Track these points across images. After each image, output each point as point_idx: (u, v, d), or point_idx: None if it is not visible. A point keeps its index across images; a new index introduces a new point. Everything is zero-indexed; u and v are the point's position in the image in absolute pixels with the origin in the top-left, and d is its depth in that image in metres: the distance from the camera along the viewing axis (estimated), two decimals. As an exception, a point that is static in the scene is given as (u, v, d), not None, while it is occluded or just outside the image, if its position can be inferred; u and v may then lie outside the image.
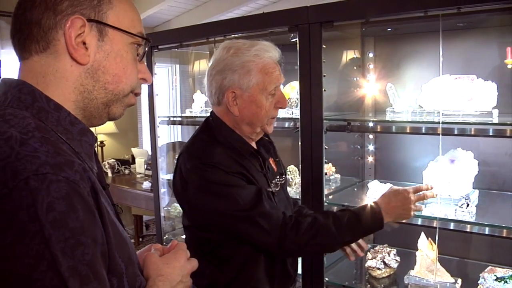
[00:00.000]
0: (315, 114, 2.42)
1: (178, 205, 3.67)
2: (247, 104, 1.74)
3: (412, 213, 1.86)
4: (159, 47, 3.11)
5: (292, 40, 2.47)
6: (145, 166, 5.83)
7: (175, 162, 1.85)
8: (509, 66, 2.27)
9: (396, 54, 2.92)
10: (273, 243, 1.67)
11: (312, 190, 2.46)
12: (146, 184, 5.31)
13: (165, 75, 4.96)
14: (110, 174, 6.15)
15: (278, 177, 1.95)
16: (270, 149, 2.01)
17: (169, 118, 3.44)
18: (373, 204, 1.81)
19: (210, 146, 1.74)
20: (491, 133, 2.24)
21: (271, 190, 1.83)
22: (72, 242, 0.81)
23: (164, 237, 3.52)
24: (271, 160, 1.98)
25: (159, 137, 3.38)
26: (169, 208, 3.69)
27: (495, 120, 2.27)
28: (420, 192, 1.92)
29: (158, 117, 3.36)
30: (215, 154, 1.70)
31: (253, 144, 1.89)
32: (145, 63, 1.14)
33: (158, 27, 7.43)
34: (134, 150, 6.26)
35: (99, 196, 0.91)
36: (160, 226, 3.46)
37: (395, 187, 1.89)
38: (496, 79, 2.39)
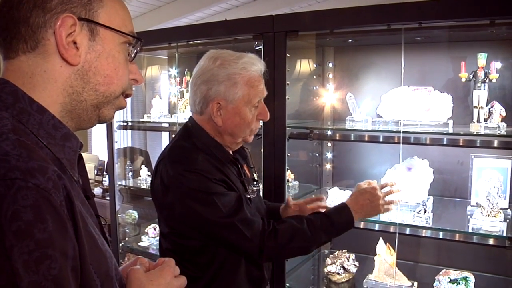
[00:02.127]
0: (278, 122, 2.45)
1: (133, 211, 3.65)
2: (231, 115, 1.75)
3: (382, 208, 1.91)
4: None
5: (257, 48, 2.50)
6: (95, 171, 5.70)
7: (154, 168, 1.85)
8: (463, 80, 2.37)
9: (355, 64, 3.01)
10: (254, 249, 1.69)
11: (274, 197, 2.49)
12: (97, 190, 5.19)
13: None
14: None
15: (253, 183, 1.97)
16: (246, 156, 2.04)
17: (126, 123, 3.40)
18: (342, 204, 1.86)
19: (192, 153, 1.74)
20: (446, 143, 2.35)
21: (249, 196, 1.85)
22: (37, 255, 0.75)
23: (120, 244, 3.46)
24: (245, 167, 1.99)
25: (116, 142, 3.33)
26: (123, 215, 3.63)
27: (450, 130, 2.37)
28: (387, 189, 1.99)
29: (116, 121, 3.31)
30: (198, 161, 1.70)
31: (231, 152, 1.90)
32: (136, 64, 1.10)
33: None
34: (84, 155, 6.10)
35: (75, 206, 0.84)
36: (116, 233, 3.40)
37: (363, 186, 1.93)
38: (451, 91, 2.51)
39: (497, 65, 2.34)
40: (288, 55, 2.42)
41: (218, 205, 1.65)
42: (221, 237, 1.70)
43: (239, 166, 1.89)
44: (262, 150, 2.52)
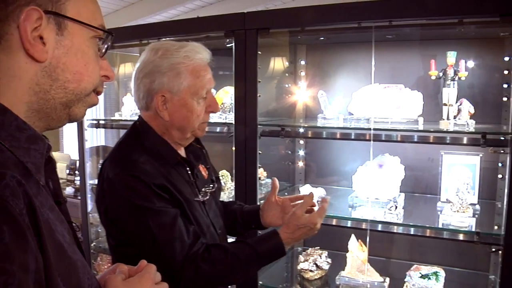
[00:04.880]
0: (250, 119, 2.46)
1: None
2: (178, 108, 1.64)
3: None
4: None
5: (228, 45, 2.49)
6: (67, 171, 5.61)
7: (99, 168, 1.74)
8: (432, 78, 2.40)
9: (327, 62, 3.02)
10: (172, 275, 1.55)
11: (246, 195, 2.49)
12: (69, 190, 5.11)
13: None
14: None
15: (208, 185, 1.87)
16: (200, 156, 1.91)
17: (98, 121, 3.36)
18: (275, 236, 1.71)
19: (135, 154, 1.63)
20: (416, 140, 2.38)
21: (199, 199, 1.74)
22: None
23: (92, 245, 3.42)
24: (201, 167, 1.89)
25: (86, 140, 3.29)
26: (95, 214, 3.58)
27: (421, 127, 2.40)
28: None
29: (87, 120, 3.26)
30: (139, 164, 1.59)
31: (182, 151, 1.81)
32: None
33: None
34: (55, 155, 6.02)
35: (38, 214, 0.78)
36: (87, 233, 3.35)
37: (301, 218, 1.72)
38: (421, 89, 2.54)
39: (468, 63, 2.38)
40: (259, 52, 2.42)
41: (148, 223, 1.55)
42: (144, 252, 1.55)
43: (191, 167, 1.78)
44: (233, 148, 2.52)
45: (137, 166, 1.58)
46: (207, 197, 1.80)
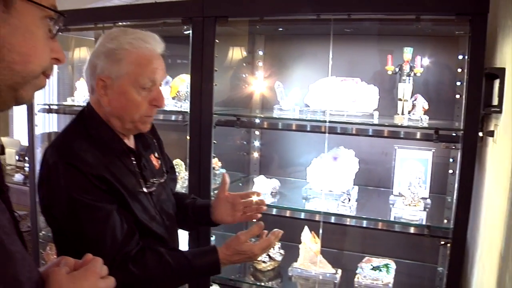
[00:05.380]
0: (205, 108, 2.43)
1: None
2: (116, 95, 1.59)
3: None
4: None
5: (186, 32, 2.44)
6: (17, 157, 5.43)
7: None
8: (389, 72, 2.42)
9: (285, 53, 3.01)
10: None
11: (200, 184, 2.46)
12: (18, 177, 4.93)
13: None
14: (-25, 165, 5.62)
15: (159, 175, 1.82)
16: (150, 145, 1.85)
17: (49, 106, 3.25)
18: (213, 254, 1.69)
19: (77, 142, 1.58)
20: (371, 133, 2.40)
21: (143, 190, 1.69)
22: None
23: (41, 233, 3.31)
24: (152, 157, 1.84)
25: (37, 126, 3.18)
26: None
27: (376, 121, 2.42)
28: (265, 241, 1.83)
29: (37, 104, 3.15)
30: (79, 152, 1.54)
31: (131, 140, 1.75)
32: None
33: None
34: (4, 140, 5.80)
35: None
36: (36, 222, 3.25)
37: (243, 245, 1.72)
38: (377, 83, 2.56)
39: (423, 60, 2.41)
40: (217, 41, 2.38)
41: (79, 216, 1.51)
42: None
43: (137, 157, 1.72)
44: (188, 137, 2.48)
45: (77, 155, 1.53)
46: (154, 188, 1.75)
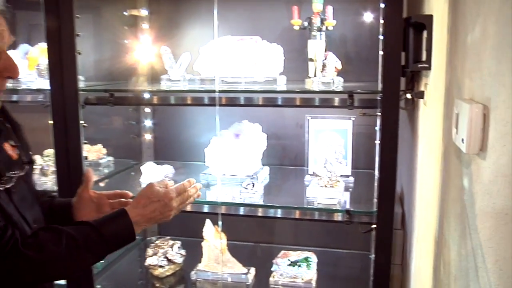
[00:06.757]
0: (68, 84, 1.97)
1: None
2: None
3: (171, 217, 1.52)
4: None
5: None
6: None
7: None
8: (296, 28, 2.01)
9: (174, 12, 2.54)
10: None
11: (70, 177, 2.02)
12: None
13: None
14: None
15: (17, 167, 1.46)
16: (2, 131, 1.49)
17: None
18: (123, 214, 1.43)
19: None
20: (279, 103, 1.98)
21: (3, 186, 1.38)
22: None
23: None
24: (6, 146, 1.47)
25: None
26: None
27: (282, 87, 2.04)
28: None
29: None
30: None
31: None
32: None
33: None
34: None
35: None
36: None
37: (155, 188, 1.48)
38: (283, 42, 2.15)
39: (337, 11, 2.01)
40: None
41: None
42: None
43: None
44: (51, 121, 2.01)
45: None
46: (12, 184, 1.40)
